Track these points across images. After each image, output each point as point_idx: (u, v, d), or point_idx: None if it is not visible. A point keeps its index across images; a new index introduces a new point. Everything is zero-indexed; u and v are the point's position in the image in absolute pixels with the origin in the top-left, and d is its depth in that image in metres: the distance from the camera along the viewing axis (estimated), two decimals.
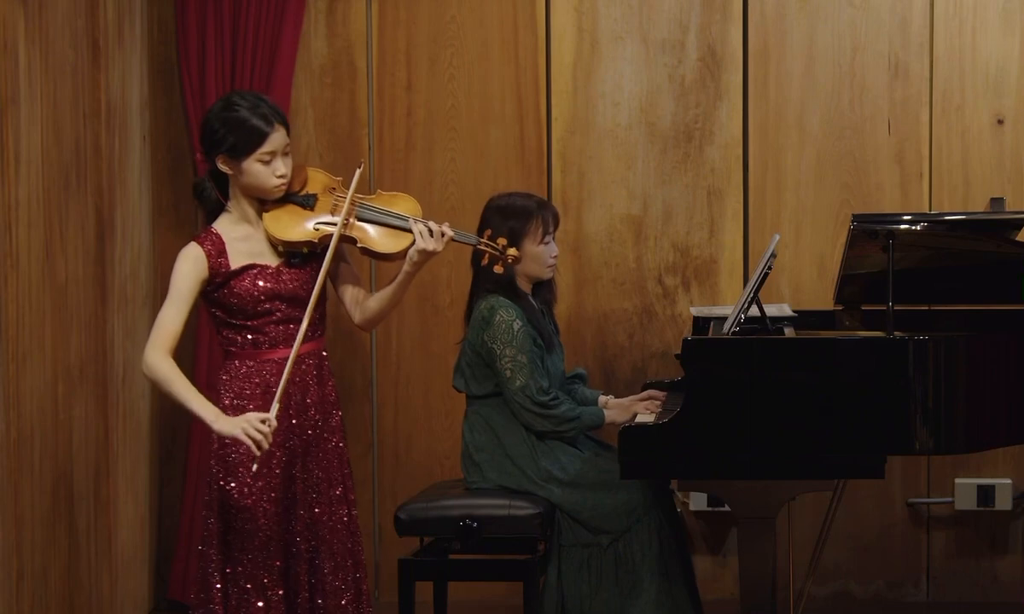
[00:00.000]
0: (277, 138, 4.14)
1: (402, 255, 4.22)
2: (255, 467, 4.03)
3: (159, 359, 4.10)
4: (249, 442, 3.96)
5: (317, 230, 4.17)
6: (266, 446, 3.98)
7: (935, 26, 5.58)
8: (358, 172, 4.22)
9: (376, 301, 4.30)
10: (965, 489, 5.61)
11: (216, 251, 4.15)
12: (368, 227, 4.21)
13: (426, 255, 4.19)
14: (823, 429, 4.20)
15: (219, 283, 4.14)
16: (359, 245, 4.20)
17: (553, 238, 4.87)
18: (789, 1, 5.63)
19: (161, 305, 4.01)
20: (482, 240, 4.39)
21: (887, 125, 5.61)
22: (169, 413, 5.76)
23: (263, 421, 3.98)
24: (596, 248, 5.69)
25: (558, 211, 4.96)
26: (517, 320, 4.75)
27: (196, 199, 4.30)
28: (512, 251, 4.39)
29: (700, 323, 5.15)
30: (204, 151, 4.22)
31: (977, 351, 4.31)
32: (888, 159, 5.61)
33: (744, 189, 5.67)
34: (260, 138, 4.12)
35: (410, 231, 4.20)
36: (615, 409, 4.93)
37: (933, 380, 4.21)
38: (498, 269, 4.41)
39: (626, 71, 5.68)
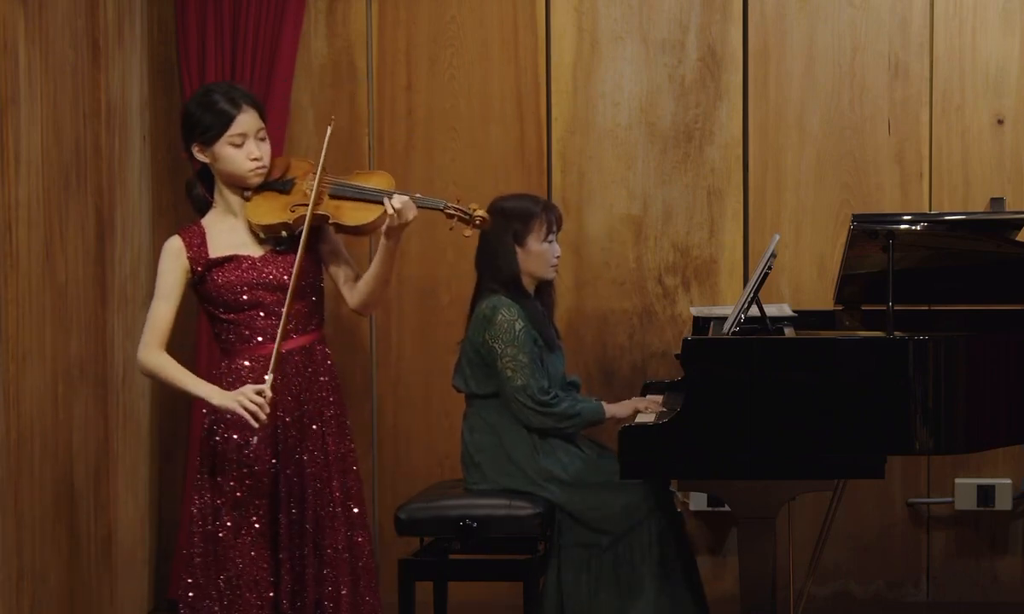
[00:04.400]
0: (245, 119, 4.13)
1: (373, 227, 4.14)
2: (255, 440, 4.06)
3: (150, 354, 4.14)
4: (247, 415, 3.98)
5: (293, 212, 4.13)
6: (263, 417, 3.98)
7: (935, 26, 5.58)
8: (329, 130, 4.17)
9: (364, 282, 4.22)
10: (965, 489, 5.61)
11: (196, 242, 4.15)
12: (340, 203, 4.15)
13: (398, 225, 4.10)
14: (823, 429, 4.20)
15: (201, 273, 4.14)
16: (331, 221, 4.14)
17: (556, 239, 4.88)
18: (789, 1, 5.63)
19: None
20: (449, 204, 4.20)
21: (887, 125, 5.60)
22: (169, 413, 5.76)
23: (258, 392, 3.99)
24: (596, 248, 5.69)
25: (561, 212, 4.97)
26: (519, 320, 4.75)
27: (188, 199, 4.31)
28: (481, 213, 4.18)
29: (700, 323, 5.14)
30: (184, 145, 4.23)
31: (977, 351, 4.30)
32: (888, 159, 5.61)
33: (744, 189, 5.66)
34: (228, 120, 4.12)
35: (379, 203, 4.12)
36: (615, 405, 4.94)
37: (933, 380, 4.21)
38: (467, 233, 4.20)
39: (626, 71, 5.68)
